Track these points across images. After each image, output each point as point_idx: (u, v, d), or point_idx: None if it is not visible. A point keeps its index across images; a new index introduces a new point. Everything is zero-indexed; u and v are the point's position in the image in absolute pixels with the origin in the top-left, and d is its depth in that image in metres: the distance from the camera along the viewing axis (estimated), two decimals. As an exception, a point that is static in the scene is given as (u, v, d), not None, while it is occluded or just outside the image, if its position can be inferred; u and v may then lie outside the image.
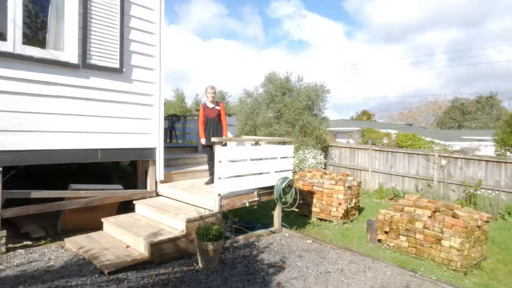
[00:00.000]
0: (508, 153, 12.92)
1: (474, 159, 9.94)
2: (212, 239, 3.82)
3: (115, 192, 5.26)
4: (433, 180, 10.80)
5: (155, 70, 5.52)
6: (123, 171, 7.15)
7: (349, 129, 20.87)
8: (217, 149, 4.60)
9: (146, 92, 5.44)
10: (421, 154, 11.18)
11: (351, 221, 7.20)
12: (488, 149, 18.02)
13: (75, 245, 4.29)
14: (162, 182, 5.73)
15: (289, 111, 13.19)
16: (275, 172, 5.48)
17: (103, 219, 4.86)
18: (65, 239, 4.50)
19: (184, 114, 12.43)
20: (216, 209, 4.65)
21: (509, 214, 8.49)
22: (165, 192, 5.59)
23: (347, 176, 7.51)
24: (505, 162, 9.36)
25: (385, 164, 12.15)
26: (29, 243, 4.48)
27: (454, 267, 4.64)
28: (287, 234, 5.52)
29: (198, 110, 7.77)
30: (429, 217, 5.16)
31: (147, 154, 5.54)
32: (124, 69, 5.10)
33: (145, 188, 5.76)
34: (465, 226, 4.69)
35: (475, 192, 9.54)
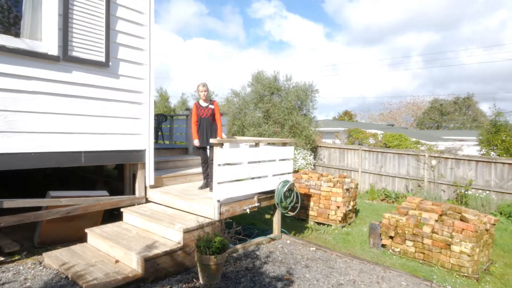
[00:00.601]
0: (492, 152, 13.16)
1: (464, 159, 9.98)
2: (214, 252, 3.42)
3: (101, 199, 4.75)
4: (423, 181, 10.79)
5: (144, 65, 5.05)
6: (108, 175, 6.60)
7: (335, 130, 20.83)
8: (216, 151, 4.20)
9: (135, 89, 4.96)
10: (411, 154, 11.15)
11: (349, 224, 6.96)
12: (470, 149, 18.41)
13: (56, 260, 3.78)
14: (152, 187, 5.26)
15: (278, 111, 12.89)
16: (275, 175, 5.14)
17: (87, 230, 4.36)
18: (44, 254, 3.97)
19: (171, 114, 11.88)
20: (215, 216, 4.25)
21: (501, 214, 8.52)
22: (156, 198, 5.12)
23: (344, 178, 7.27)
24: (495, 162, 9.42)
25: (375, 165, 12.06)
26: (1, 259, 3.92)
27: (465, 274, 4.44)
28: (288, 241, 5.19)
29: (189, 110, 7.32)
30: (436, 221, 4.96)
31: (136, 156, 5.06)
32: (110, 63, 4.61)
33: (134, 194, 5.28)
34: (475, 230, 4.51)
35: (466, 192, 9.57)
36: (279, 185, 5.10)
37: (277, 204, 5.09)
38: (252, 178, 4.75)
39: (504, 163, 9.24)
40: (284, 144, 5.47)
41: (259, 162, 4.85)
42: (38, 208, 4.25)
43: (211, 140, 4.22)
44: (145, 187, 5.26)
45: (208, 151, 5.39)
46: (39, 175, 6.96)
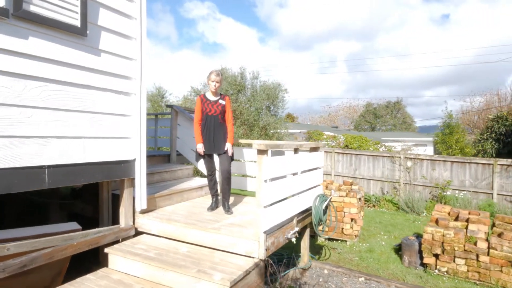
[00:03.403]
0: (444, 153, 13.87)
1: (439, 160, 10.06)
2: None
3: (72, 238, 3.13)
4: (399, 182, 10.69)
5: (134, 40, 3.55)
6: (63, 196, 4.73)
7: (293, 131, 20.42)
8: (261, 161, 2.95)
9: (121, 72, 3.44)
10: (386, 156, 10.99)
11: (359, 238, 6.17)
12: (418, 149, 19.54)
13: None
14: (143, 212, 3.75)
15: (247, 112, 11.78)
16: (310, 188, 4.05)
17: (55, 291, 2.74)
18: None
19: (156, 112, 9.95)
20: (259, 254, 2.99)
21: (482, 213, 8.63)
22: (151, 227, 3.63)
23: (351, 185, 6.47)
24: (469, 163, 9.63)
25: (349, 167, 11.69)
26: None
27: (535, 294, 3.90)
28: (325, 271, 4.14)
29: (171, 107, 5.81)
30: (486, 233, 4.38)
31: (123, 170, 3.51)
32: (88, 32, 3.04)
33: (115, 223, 3.71)
34: (538, 243, 4.00)
35: (444, 193, 9.61)
36: (316, 201, 4.03)
37: (315, 225, 4.00)
38: (292, 195, 3.60)
39: (478, 163, 9.48)
40: (313, 149, 4.40)
41: (297, 173, 3.72)
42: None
43: (257, 146, 2.95)
44: (134, 213, 3.73)
45: (219, 159, 4.07)
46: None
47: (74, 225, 3.38)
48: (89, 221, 3.97)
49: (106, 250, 3.23)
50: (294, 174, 3.60)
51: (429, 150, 23.03)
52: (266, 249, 3.02)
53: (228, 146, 3.93)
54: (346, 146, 14.49)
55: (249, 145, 4.91)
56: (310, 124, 35.75)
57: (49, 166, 2.82)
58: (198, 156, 4.12)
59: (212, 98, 4.04)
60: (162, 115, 7.66)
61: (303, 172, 3.80)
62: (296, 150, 3.95)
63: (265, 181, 2.97)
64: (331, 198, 4.29)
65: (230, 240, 3.13)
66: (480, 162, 9.46)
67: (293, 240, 3.47)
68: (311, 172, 4.04)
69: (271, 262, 3.15)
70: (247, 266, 2.83)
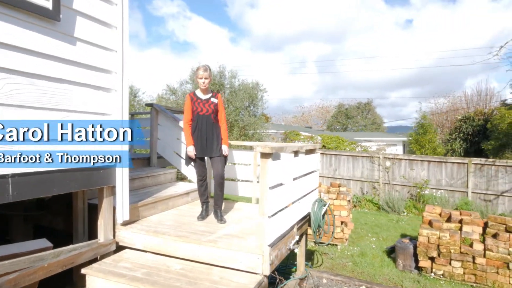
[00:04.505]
0: (418, 153, 14.26)
1: (417, 160, 10.24)
2: None
3: (42, 258, 2.65)
4: (378, 182, 10.78)
5: (115, 29, 3.12)
6: (27, 206, 4.14)
7: (270, 132, 20.24)
8: (266, 166, 2.64)
9: (101, 64, 3.00)
10: (365, 156, 11.05)
11: (347, 240, 6.03)
12: (390, 149, 20.07)
13: None
14: (125, 223, 3.32)
15: (227, 111, 11.41)
16: (309, 193, 3.80)
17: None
18: None
19: (130, 112, 9.25)
20: (264, 270, 2.68)
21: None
22: (135, 241, 3.21)
23: (338, 186, 6.32)
24: (445, 162, 9.87)
25: (329, 168, 11.66)
26: None
27: (531, 295, 3.89)
28: (324, 280, 3.91)
29: (152, 105, 5.35)
30: (481, 234, 4.35)
31: (102, 177, 3.07)
32: (61, 15, 2.59)
33: (93, 237, 3.26)
34: (532, 243, 4.01)
35: (422, 192, 9.78)
36: (315, 206, 3.78)
37: (314, 232, 3.76)
38: (293, 202, 3.32)
39: (453, 162, 9.73)
40: (309, 152, 4.15)
41: (297, 178, 3.45)
42: None
43: (260, 149, 2.63)
44: (114, 225, 3.28)
45: (211, 163, 3.72)
46: None
47: (44, 242, 2.90)
48: (60, 236, 3.48)
49: (83, 270, 2.78)
50: (295, 178, 3.33)
51: (399, 150, 23.78)
52: (270, 264, 2.71)
53: (224, 148, 3.59)
54: (324, 146, 14.50)
55: (240, 147, 4.58)
56: (285, 125, 35.87)
57: (13, 175, 2.35)
58: (188, 159, 3.74)
59: (203, 96, 3.68)
60: (137, 115, 7.14)
61: (302, 176, 3.54)
62: (296, 153, 3.68)
63: (270, 188, 2.67)
64: (329, 203, 4.06)
65: (229, 254, 2.80)
66: (455, 161, 9.73)
67: (296, 250, 3.19)
68: (309, 175, 3.79)
69: (280, 278, 2.85)
70: (251, 284, 2.51)
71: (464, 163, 9.54)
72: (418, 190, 9.81)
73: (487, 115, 15.93)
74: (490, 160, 9.42)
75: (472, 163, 9.39)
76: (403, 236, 6.37)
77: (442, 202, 9.12)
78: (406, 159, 10.39)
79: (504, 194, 8.94)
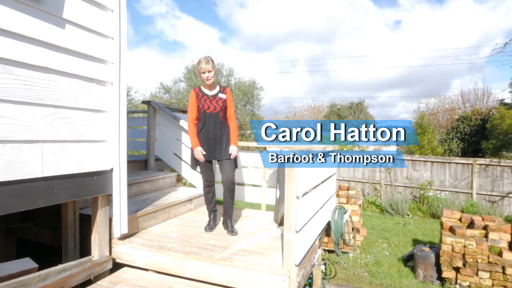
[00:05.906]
0: (417, 153, 14.07)
1: (420, 160, 10.00)
2: None
3: (25, 282, 2.20)
4: (380, 184, 10.50)
5: (110, 12, 2.68)
6: (10, 216, 3.64)
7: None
8: (293, 173, 2.24)
9: (95, 53, 2.55)
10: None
11: (358, 247, 5.68)
12: (386, 149, 19.90)
13: None
14: (123, 237, 2.88)
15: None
16: (328, 200, 3.42)
17: None
18: None
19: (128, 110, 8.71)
20: (291, 294, 2.28)
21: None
22: (136, 258, 2.77)
23: (347, 190, 5.97)
24: (449, 163, 9.64)
25: (329, 169, 11.33)
26: None
27: None
28: (344, 296, 3.52)
29: (148, 103, 4.90)
30: (509, 241, 4.04)
31: (96, 185, 2.62)
32: (47, -9, 2.15)
33: (85, 253, 2.81)
34: None
35: (426, 194, 9.53)
36: (335, 214, 3.40)
37: (335, 242, 3.37)
38: (315, 212, 2.93)
39: (457, 163, 9.51)
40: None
41: (321, 183, 3.06)
42: None
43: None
44: (110, 240, 2.84)
45: (219, 166, 3.30)
46: None
47: (28, 262, 2.44)
48: (47, 250, 3.03)
49: (75, 297, 2.34)
50: (318, 184, 2.94)
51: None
52: (298, 286, 2.31)
53: (233, 149, 3.18)
54: (321, 146, 14.18)
55: (247, 148, 4.18)
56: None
57: (-13, 185, 1.90)
58: (195, 163, 3.32)
59: (209, 92, 3.26)
60: (132, 114, 6.66)
61: (324, 181, 3.15)
62: (318, 155, 3.29)
63: (297, 197, 2.27)
64: (350, 210, 3.70)
65: (248, 275, 2.39)
66: (459, 162, 9.50)
67: (322, 267, 2.80)
68: (329, 179, 3.41)
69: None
70: (279, 313, 2.11)
71: (468, 164, 9.32)
72: (422, 192, 9.55)
73: (484, 115, 15.87)
74: (495, 160, 9.21)
75: (477, 164, 9.18)
76: (416, 242, 6.07)
77: (447, 204, 8.86)
78: (408, 160, 10.13)
79: (510, 195, 8.74)
